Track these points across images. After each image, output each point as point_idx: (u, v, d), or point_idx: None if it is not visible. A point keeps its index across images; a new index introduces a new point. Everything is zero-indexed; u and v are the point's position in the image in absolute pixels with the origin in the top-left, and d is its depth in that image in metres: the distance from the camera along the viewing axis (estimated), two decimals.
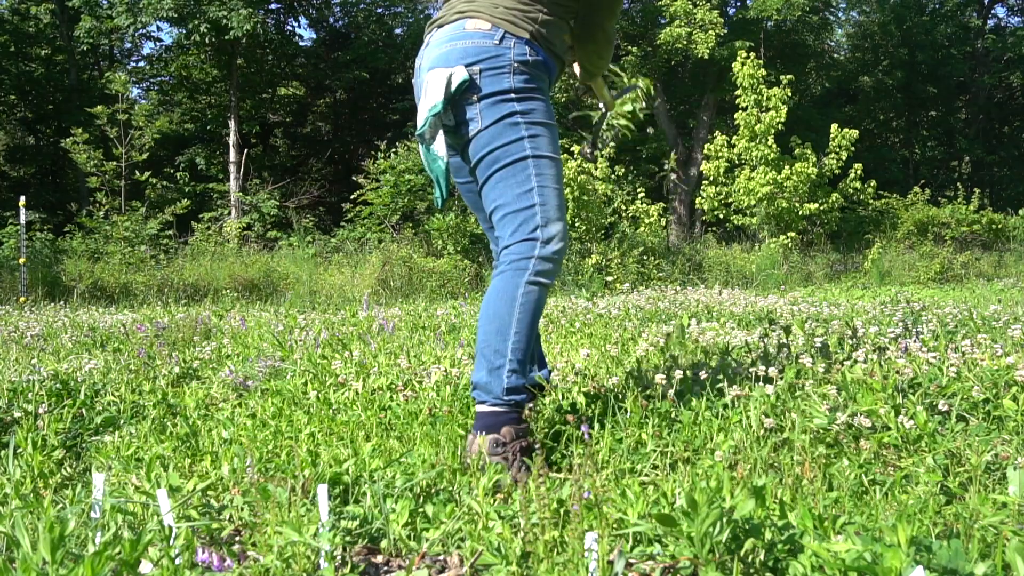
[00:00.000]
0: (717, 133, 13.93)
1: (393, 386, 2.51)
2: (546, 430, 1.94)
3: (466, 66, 1.87)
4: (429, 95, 1.87)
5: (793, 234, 12.36)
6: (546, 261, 1.86)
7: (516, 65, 1.87)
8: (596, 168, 11.57)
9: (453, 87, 1.85)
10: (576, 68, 2.30)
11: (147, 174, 12.61)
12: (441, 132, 1.89)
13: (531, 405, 1.88)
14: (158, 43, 25.63)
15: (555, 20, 1.95)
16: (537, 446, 1.80)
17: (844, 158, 13.14)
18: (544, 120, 1.90)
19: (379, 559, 1.37)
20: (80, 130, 11.79)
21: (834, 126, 13.36)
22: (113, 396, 2.64)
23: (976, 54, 22.29)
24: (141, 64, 21.11)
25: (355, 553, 1.36)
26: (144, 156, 12.69)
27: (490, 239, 2.17)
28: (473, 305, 6.42)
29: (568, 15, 2.01)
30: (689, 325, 3.49)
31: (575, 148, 11.56)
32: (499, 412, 1.80)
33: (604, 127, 2.48)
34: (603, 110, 2.45)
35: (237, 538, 1.41)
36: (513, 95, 1.87)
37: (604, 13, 2.07)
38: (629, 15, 18.57)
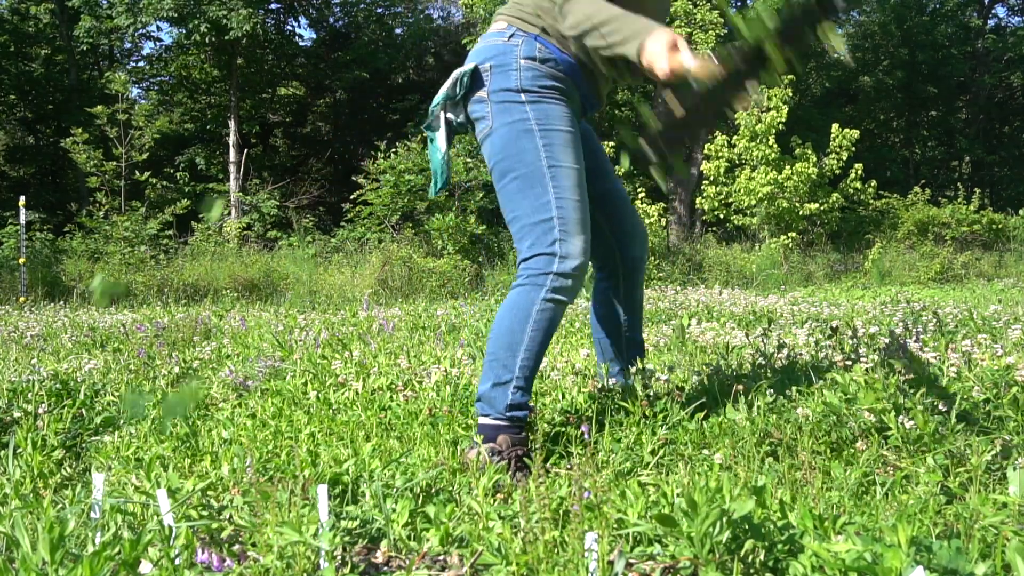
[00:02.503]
0: (717, 133, 13.93)
1: (393, 386, 2.51)
2: (547, 431, 1.94)
3: (479, 64, 1.87)
4: (441, 91, 1.89)
5: (793, 234, 12.36)
6: (564, 278, 1.80)
7: (523, 61, 1.83)
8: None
9: (456, 81, 1.86)
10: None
11: (147, 174, 12.61)
12: (444, 124, 1.89)
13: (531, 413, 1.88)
14: (158, 43, 25.66)
15: None
16: (536, 447, 1.80)
17: (845, 158, 13.13)
18: (561, 126, 1.84)
19: (379, 559, 1.37)
20: (80, 130, 11.79)
21: (835, 126, 13.36)
22: (113, 396, 2.64)
23: (976, 54, 22.28)
24: (141, 64, 21.10)
25: (355, 553, 1.36)
26: (144, 156, 12.69)
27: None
28: (473, 305, 6.42)
29: None
30: (689, 325, 3.50)
31: None
32: (500, 425, 1.80)
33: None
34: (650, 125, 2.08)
35: (237, 538, 1.41)
36: (523, 95, 1.82)
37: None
38: None
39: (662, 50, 1.67)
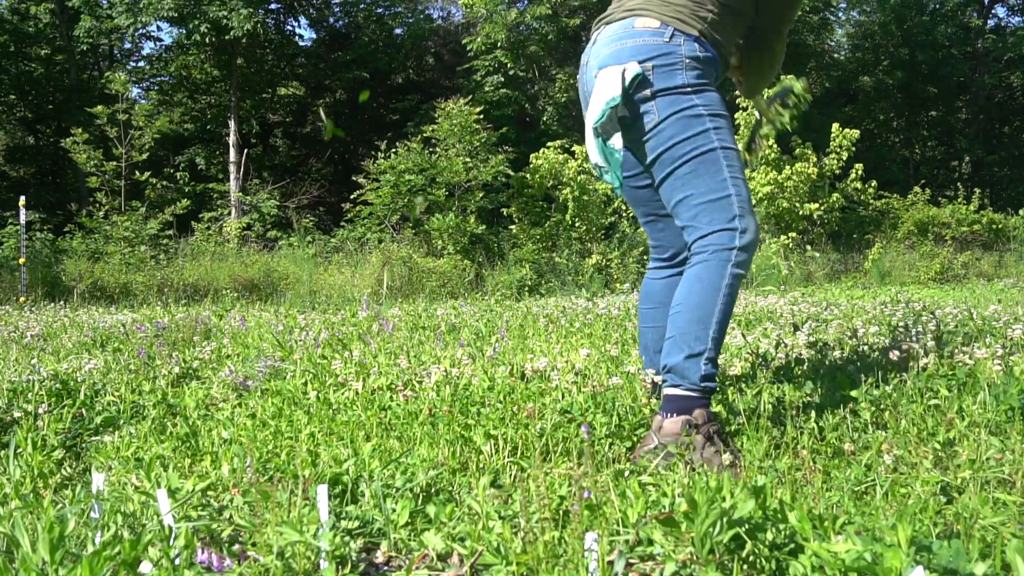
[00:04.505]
0: None
1: (393, 386, 2.51)
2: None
3: (639, 63, 1.89)
4: (602, 91, 1.90)
5: (794, 234, 12.36)
6: (745, 251, 1.87)
7: (688, 61, 1.90)
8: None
9: (627, 81, 1.88)
10: (740, 81, 2.31)
11: (147, 174, 12.61)
12: (618, 126, 1.91)
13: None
14: (158, 43, 25.64)
15: (722, 21, 1.98)
16: (536, 447, 1.80)
17: (845, 158, 13.13)
18: (724, 111, 1.93)
19: (379, 559, 1.37)
20: (80, 130, 11.79)
21: (835, 126, 13.35)
22: (113, 396, 2.64)
23: (976, 54, 22.28)
24: (141, 64, 21.10)
25: (355, 553, 1.36)
26: (144, 156, 12.69)
27: (650, 235, 2.23)
28: (473, 305, 6.41)
29: (737, 20, 2.03)
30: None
31: (576, 148, 11.57)
32: (692, 396, 1.83)
33: (760, 132, 2.40)
34: (759, 117, 2.38)
35: (237, 538, 1.41)
36: (688, 89, 1.89)
37: (781, 23, 2.14)
38: None
39: None
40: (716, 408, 2.11)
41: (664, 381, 1.90)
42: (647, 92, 1.90)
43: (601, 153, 1.94)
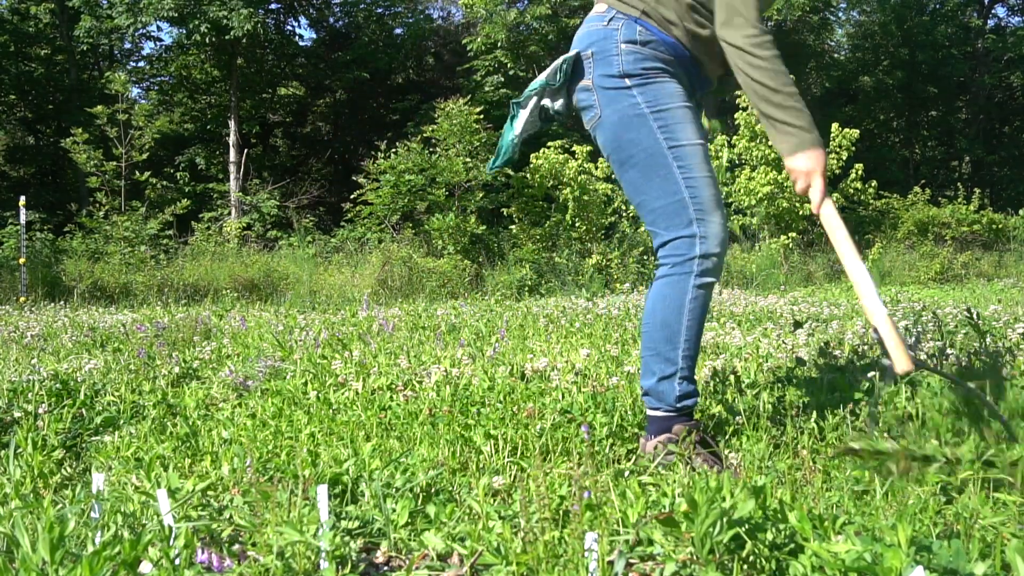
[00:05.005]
0: (717, 133, 13.93)
1: (393, 386, 2.51)
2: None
3: (580, 51, 1.84)
4: (540, 76, 1.87)
5: (794, 234, 12.36)
6: (708, 258, 1.77)
7: (623, 46, 1.77)
8: (596, 168, 11.57)
9: (551, 71, 1.84)
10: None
11: (147, 174, 12.60)
12: (532, 109, 1.86)
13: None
14: (158, 43, 25.62)
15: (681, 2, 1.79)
16: (535, 447, 1.80)
17: (845, 158, 13.12)
18: (674, 103, 1.78)
19: (379, 559, 1.37)
20: (80, 130, 11.78)
21: (835, 126, 13.34)
22: (113, 396, 2.64)
23: (976, 54, 22.27)
24: (141, 64, 21.10)
25: (355, 553, 1.36)
26: (144, 156, 12.68)
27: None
28: (473, 305, 6.41)
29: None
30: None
31: (576, 148, 11.57)
32: (671, 416, 1.81)
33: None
34: (887, 366, 1.65)
35: (237, 538, 1.41)
36: (627, 80, 1.77)
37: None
38: None
39: (810, 169, 1.71)
40: (716, 409, 2.11)
41: (644, 402, 1.88)
42: (587, 81, 1.81)
43: (504, 129, 1.92)
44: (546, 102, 1.91)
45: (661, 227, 1.80)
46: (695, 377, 1.85)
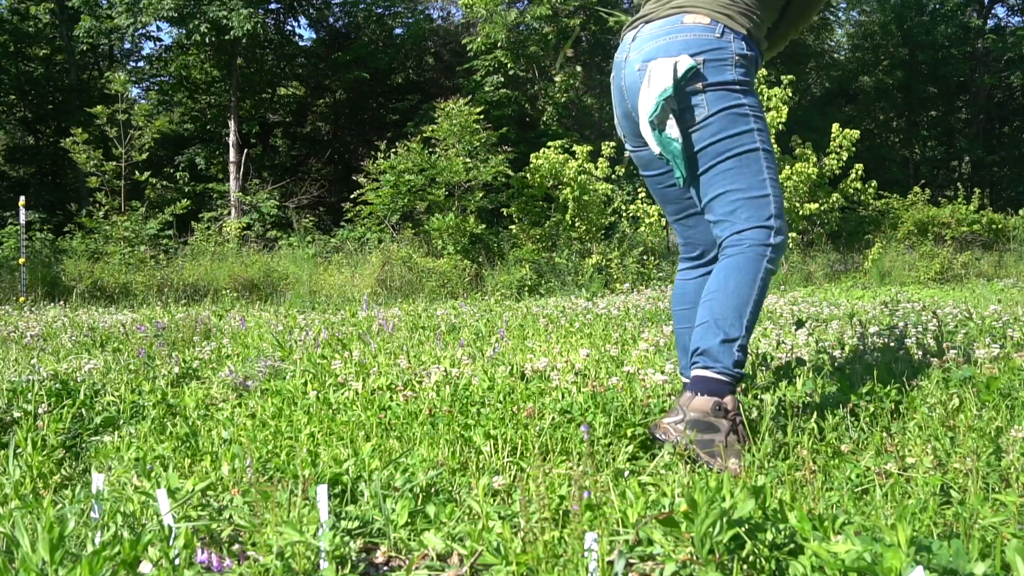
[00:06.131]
0: None
1: (393, 386, 2.51)
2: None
3: (691, 56, 1.93)
4: (655, 82, 1.94)
5: (793, 234, 12.36)
6: (777, 250, 1.93)
7: (737, 58, 1.95)
8: (596, 168, 11.57)
9: (679, 73, 1.91)
10: None
11: (147, 174, 12.60)
12: (672, 116, 1.95)
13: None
14: (158, 43, 25.61)
15: (762, 18, 2.05)
16: (535, 447, 1.80)
17: (845, 158, 13.12)
18: (763, 114, 1.98)
19: (379, 559, 1.37)
20: (80, 130, 11.78)
21: (835, 126, 13.34)
22: (113, 396, 2.64)
23: (976, 54, 22.27)
24: (141, 64, 21.09)
25: (355, 553, 1.36)
26: (144, 156, 12.68)
27: (680, 234, 2.26)
28: (473, 305, 6.41)
29: (771, 17, 2.10)
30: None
31: (576, 148, 11.57)
32: (723, 381, 1.86)
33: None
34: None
35: (237, 538, 1.41)
36: (737, 87, 1.94)
37: (801, 22, 2.21)
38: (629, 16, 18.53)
39: None
40: None
41: (695, 363, 1.92)
42: (699, 85, 1.94)
43: (659, 144, 1.98)
44: (673, 106, 2.00)
45: (742, 216, 1.94)
46: (748, 355, 1.94)
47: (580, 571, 1.11)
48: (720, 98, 1.93)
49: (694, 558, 1.15)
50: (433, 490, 1.61)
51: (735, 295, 1.90)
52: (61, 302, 7.82)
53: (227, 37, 15.86)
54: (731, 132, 1.93)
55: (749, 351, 2.29)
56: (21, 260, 8.95)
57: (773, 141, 12.82)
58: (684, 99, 1.95)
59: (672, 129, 1.94)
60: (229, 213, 16.61)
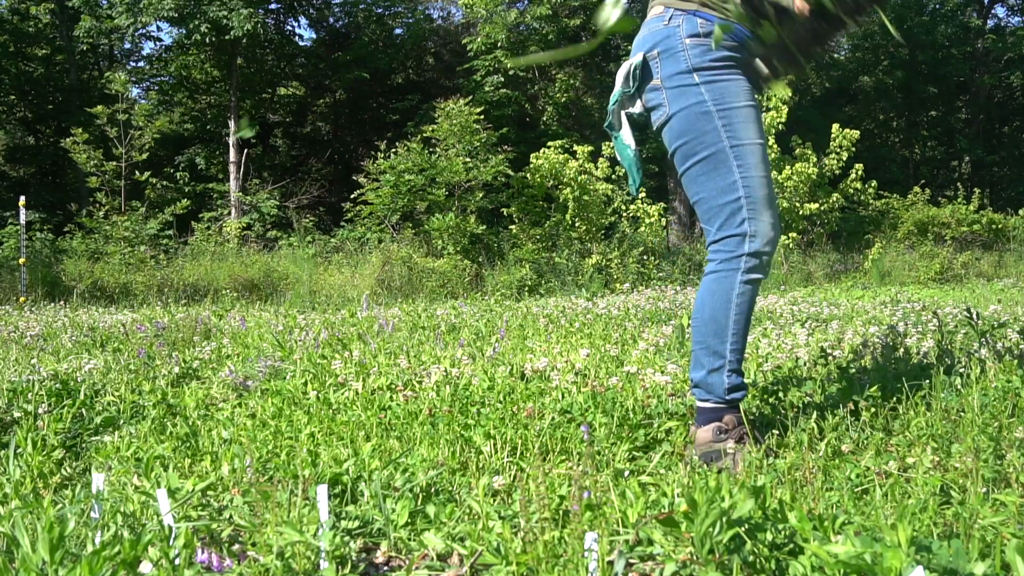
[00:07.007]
0: None
1: (393, 386, 2.51)
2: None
3: (645, 53, 1.88)
4: (615, 87, 1.91)
5: (794, 234, 12.35)
6: (755, 257, 1.83)
7: (687, 41, 1.82)
8: (596, 168, 11.56)
9: (629, 73, 1.88)
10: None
11: (147, 174, 12.60)
12: (626, 120, 1.90)
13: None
14: (158, 43, 25.61)
15: None
16: (535, 447, 1.80)
17: (845, 158, 13.12)
18: (739, 102, 1.82)
19: (379, 559, 1.37)
20: (80, 130, 11.78)
21: (835, 126, 13.34)
22: (113, 396, 2.64)
23: (976, 54, 22.26)
24: (141, 64, 21.09)
25: (355, 553, 1.36)
26: (144, 156, 12.68)
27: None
28: (473, 305, 6.41)
29: None
30: (689, 325, 3.49)
31: (577, 148, 11.57)
32: (720, 408, 1.85)
33: None
34: None
35: (237, 538, 1.41)
36: (696, 75, 1.81)
37: None
38: (629, 15, 18.53)
39: None
40: None
41: (694, 393, 1.92)
42: (656, 81, 1.87)
43: (616, 148, 1.95)
44: (630, 110, 1.96)
45: (715, 224, 1.86)
46: (743, 370, 1.89)
47: (580, 571, 1.11)
48: (678, 95, 1.83)
49: (694, 558, 1.15)
50: (433, 490, 1.61)
51: (712, 322, 1.85)
52: (61, 302, 7.81)
53: (227, 37, 15.86)
54: (693, 134, 1.83)
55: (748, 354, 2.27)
56: (21, 260, 8.95)
57: (773, 141, 12.88)
58: (651, 98, 1.89)
59: (627, 135, 1.90)
60: (229, 213, 16.60)
